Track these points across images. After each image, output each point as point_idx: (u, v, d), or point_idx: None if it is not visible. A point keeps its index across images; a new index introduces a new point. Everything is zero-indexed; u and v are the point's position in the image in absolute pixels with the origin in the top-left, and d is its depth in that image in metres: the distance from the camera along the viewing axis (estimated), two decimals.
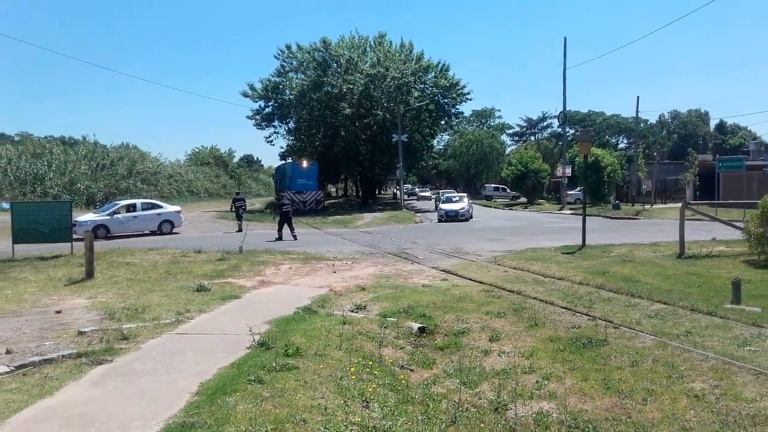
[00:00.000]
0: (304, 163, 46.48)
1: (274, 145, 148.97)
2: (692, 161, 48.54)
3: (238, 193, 34.23)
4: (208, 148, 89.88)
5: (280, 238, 24.13)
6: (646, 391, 6.84)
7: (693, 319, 9.56)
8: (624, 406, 6.57)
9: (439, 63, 52.73)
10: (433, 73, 52.63)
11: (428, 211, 47.82)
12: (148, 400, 6.08)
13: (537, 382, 7.51)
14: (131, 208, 27.95)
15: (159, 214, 28.19)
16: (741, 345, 8.10)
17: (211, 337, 8.65)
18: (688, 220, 18.85)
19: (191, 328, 9.25)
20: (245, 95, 53.11)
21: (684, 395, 6.60)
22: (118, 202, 30.20)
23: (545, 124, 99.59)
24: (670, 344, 8.24)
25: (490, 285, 13.16)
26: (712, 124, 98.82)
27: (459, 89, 52.86)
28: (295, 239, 23.83)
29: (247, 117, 55.58)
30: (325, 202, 55.06)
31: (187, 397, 6.15)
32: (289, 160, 53.83)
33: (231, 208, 33.10)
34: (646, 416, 6.27)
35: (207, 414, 5.59)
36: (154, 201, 31.43)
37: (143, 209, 28.06)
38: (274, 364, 6.96)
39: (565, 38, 57.78)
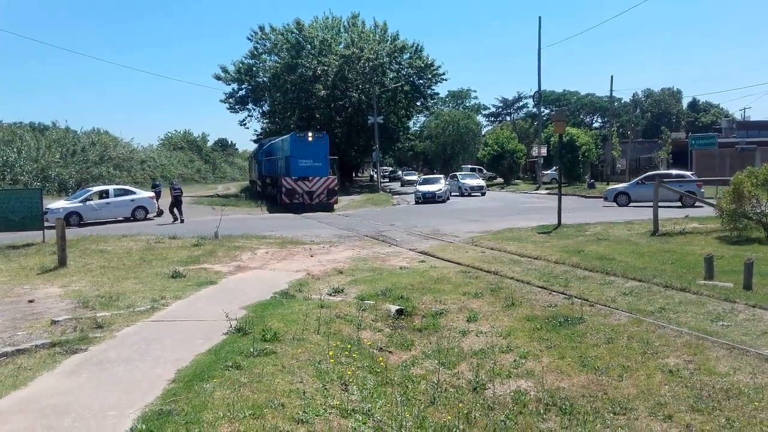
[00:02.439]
0: (310, 136, 32.61)
1: (248, 128, 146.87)
2: (666, 139, 49.14)
3: (173, 183, 32.28)
4: (182, 132, 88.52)
5: (176, 220, 26.05)
6: (621, 367, 6.94)
7: (667, 296, 9.69)
8: (600, 383, 6.65)
9: (414, 44, 52.55)
10: (408, 54, 52.42)
11: (405, 193, 47.83)
12: (124, 389, 6.01)
13: (514, 360, 7.57)
14: (104, 194, 27.51)
15: (132, 200, 27.80)
16: (714, 320, 8.24)
17: (187, 323, 8.58)
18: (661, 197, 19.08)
19: (167, 315, 9.16)
20: (218, 78, 52.55)
21: (659, 371, 6.70)
22: (90, 188, 29.72)
23: (521, 104, 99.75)
24: (644, 321, 8.35)
25: (468, 266, 13.21)
26: (685, 102, 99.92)
27: (434, 70, 52.75)
28: (182, 222, 25.61)
29: (221, 100, 55.05)
30: None
31: (164, 384, 6.09)
32: (284, 136, 37.50)
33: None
34: (621, 392, 6.36)
35: (184, 401, 5.55)
36: (127, 187, 30.96)
37: (116, 195, 27.64)
38: (251, 350, 6.93)
39: (539, 17, 57.49)
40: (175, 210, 26.64)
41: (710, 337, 7.40)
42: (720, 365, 6.62)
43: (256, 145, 55.14)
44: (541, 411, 6.14)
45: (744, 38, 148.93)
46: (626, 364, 6.98)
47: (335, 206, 32.65)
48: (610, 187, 33.21)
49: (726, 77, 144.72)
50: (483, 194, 42.52)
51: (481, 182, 44.77)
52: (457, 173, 49.34)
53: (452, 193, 42.09)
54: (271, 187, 37.72)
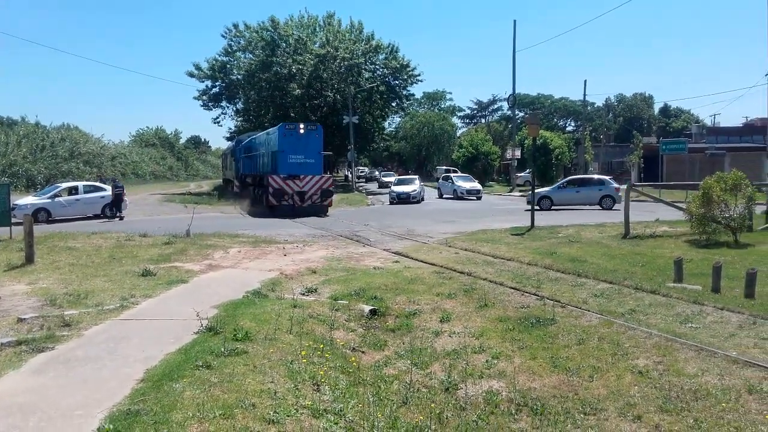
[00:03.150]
0: (302, 127, 28.52)
1: (221, 126, 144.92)
2: (637, 144, 49.92)
3: (115, 181, 31.58)
4: (154, 129, 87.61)
5: (113, 217, 26.15)
6: (592, 368, 6.99)
7: (637, 298, 9.81)
8: (571, 383, 6.70)
9: (389, 44, 52.57)
10: (383, 55, 52.43)
11: (379, 194, 47.83)
12: (92, 388, 5.91)
13: (487, 361, 7.59)
14: (73, 190, 27.03)
15: (102, 197, 27.34)
16: (683, 322, 8.36)
17: (157, 322, 8.46)
18: (633, 201, 19.34)
19: (136, 313, 9.02)
20: (191, 75, 52.00)
21: (629, 372, 6.77)
22: (59, 184, 29.18)
23: (496, 106, 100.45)
24: (615, 322, 8.44)
25: (441, 267, 13.23)
26: (657, 107, 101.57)
27: (410, 71, 52.83)
28: (120, 219, 25.87)
29: (194, 97, 54.47)
30: None
31: (132, 384, 5.99)
32: (270, 129, 33.43)
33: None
34: (592, 393, 6.41)
35: (153, 401, 5.47)
36: (97, 183, 30.46)
37: (86, 192, 27.17)
38: (222, 349, 6.85)
39: (514, 21, 58.20)
40: (114, 208, 26.58)
41: (679, 339, 7.50)
42: (688, 366, 6.71)
43: (231, 143, 52.02)
44: (513, 411, 6.17)
45: (715, 45, 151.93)
46: (597, 365, 7.05)
47: (329, 209, 29.07)
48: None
49: (697, 84, 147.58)
50: (479, 198, 39.86)
51: (477, 185, 42.10)
52: (451, 175, 45.91)
53: (445, 196, 41.30)
54: (254, 187, 33.69)
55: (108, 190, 28.03)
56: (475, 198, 39.66)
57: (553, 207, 29.08)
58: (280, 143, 27.98)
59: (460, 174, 47.95)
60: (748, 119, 74.66)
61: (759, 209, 19.46)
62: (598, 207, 28.91)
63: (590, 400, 6.22)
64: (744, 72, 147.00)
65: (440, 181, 45.16)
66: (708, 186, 16.21)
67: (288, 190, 27.43)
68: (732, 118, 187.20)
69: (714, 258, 12.19)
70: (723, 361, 6.74)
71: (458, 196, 40.21)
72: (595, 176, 34.46)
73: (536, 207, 28.83)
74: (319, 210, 27.73)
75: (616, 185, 30.40)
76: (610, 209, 28.17)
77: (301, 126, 28.46)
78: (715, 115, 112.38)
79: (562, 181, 32.10)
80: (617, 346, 7.54)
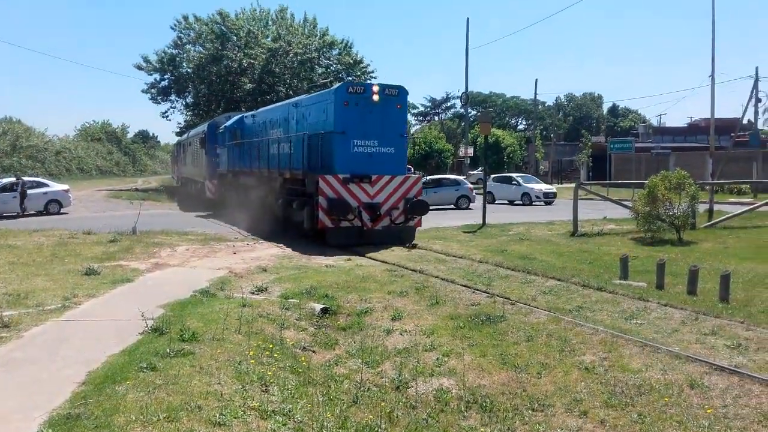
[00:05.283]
0: (375, 92, 16.49)
1: (170, 120, 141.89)
2: (586, 143, 51.10)
3: (20, 177, 29.66)
4: (100, 123, 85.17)
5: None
6: (540, 364, 7.08)
7: (584, 295, 9.99)
8: (520, 380, 6.77)
9: (343, 40, 52.25)
10: (337, 50, 52.15)
11: None
12: (31, 391, 5.71)
13: (437, 359, 7.61)
14: (14, 186, 26.11)
15: (45, 193, 26.55)
16: (628, 318, 8.55)
17: (100, 323, 8.22)
18: (581, 199, 19.77)
19: (79, 314, 8.75)
20: (139, 68, 50.65)
21: (575, 368, 6.87)
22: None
23: (449, 104, 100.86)
24: (563, 319, 8.57)
25: (393, 264, 13.23)
26: (605, 107, 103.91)
27: (363, 67, 52.68)
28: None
29: (142, 91, 53.00)
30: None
31: (73, 387, 5.81)
32: (317, 94, 19.42)
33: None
34: (540, 389, 6.49)
35: (94, 404, 5.31)
36: (40, 179, 29.53)
37: (28, 188, 26.29)
38: (168, 350, 6.69)
39: (467, 19, 58.71)
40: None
41: (624, 335, 7.66)
42: (633, 362, 6.85)
43: (198, 130, 37.51)
44: (462, 409, 6.20)
45: (661, 47, 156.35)
46: (545, 362, 7.14)
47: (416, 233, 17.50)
48: None
49: (644, 84, 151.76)
50: (551, 203, 32.76)
51: (552, 188, 35.72)
52: (513, 174, 37.24)
53: (498, 201, 33.70)
54: (266, 195, 20.86)
55: (52, 186, 27.37)
56: (545, 203, 32.91)
57: None
58: (337, 117, 16.23)
59: (523, 174, 39.61)
60: (693, 119, 77.23)
61: (702, 207, 20.10)
62: (454, 207, 29.67)
63: (538, 397, 6.29)
64: (689, 73, 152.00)
65: (491, 183, 35.50)
66: (653, 185, 16.65)
67: (352, 201, 15.95)
68: (677, 118, 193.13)
69: (658, 255, 12.50)
70: (666, 356, 6.91)
71: (533, 201, 33.02)
72: (451, 177, 34.77)
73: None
74: (404, 236, 16.69)
75: (470, 185, 31.38)
76: (467, 209, 28.95)
77: (375, 89, 16.56)
78: (661, 115, 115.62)
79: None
80: (565, 342, 7.65)
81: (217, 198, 28.80)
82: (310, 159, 17.02)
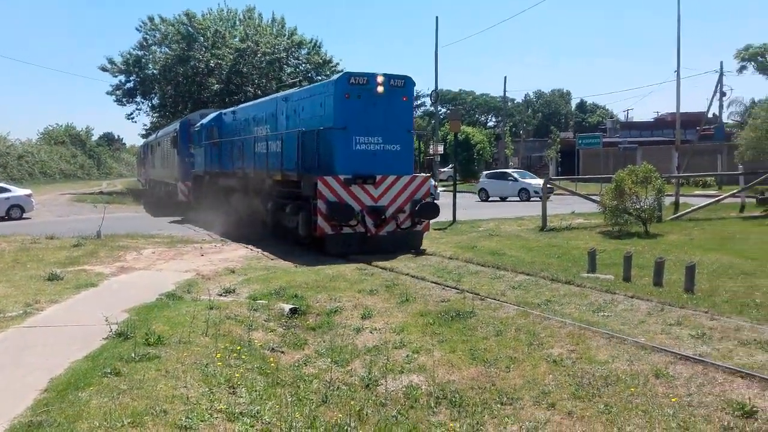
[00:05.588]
0: (380, 82, 14.78)
1: (136, 122, 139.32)
2: (555, 139, 51.62)
3: None
4: (64, 126, 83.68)
5: None
6: (509, 358, 7.10)
7: (553, 289, 10.08)
8: (489, 375, 6.78)
9: (312, 39, 52.07)
10: (306, 50, 51.93)
11: None
12: None
13: (407, 356, 7.59)
14: None
15: (7, 198, 25.96)
16: (596, 311, 8.63)
17: (63, 329, 8.05)
18: (555, 195, 19.95)
19: (42, 320, 8.55)
20: (104, 69, 49.85)
21: (544, 361, 6.91)
22: None
23: (419, 102, 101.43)
24: (531, 313, 8.61)
25: (363, 263, 13.19)
26: (574, 103, 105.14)
27: (332, 66, 52.51)
28: None
29: (107, 93, 52.21)
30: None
31: (35, 394, 5.67)
32: (314, 85, 18.61)
33: None
34: (509, 383, 6.51)
35: (57, 411, 5.19)
36: (1, 184, 28.86)
37: None
38: (133, 355, 6.56)
39: (436, 17, 58.89)
40: None
41: (592, 328, 7.73)
42: (600, 354, 6.91)
43: (168, 129, 35.23)
44: (432, 404, 6.18)
45: (628, 43, 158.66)
46: (514, 356, 7.16)
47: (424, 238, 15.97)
48: None
49: (611, 80, 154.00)
50: (548, 199, 31.09)
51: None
52: (508, 170, 37.13)
53: (491, 198, 34.00)
54: (249, 198, 19.38)
55: (14, 191, 26.77)
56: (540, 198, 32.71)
57: None
58: (338, 111, 14.77)
59: (518, 169, 39.34)
60: (659, 114, 78.44)
61: (668, 200, 20.47)
62: None
63: (507, 390, 6.31)
64: (656, 69, 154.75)
65: (485, 179, 36.18)
66: (620, 179, 16.89)
67: (354, 204, 14.49)
68: (644, 113, 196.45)
69: (625, 248, 12.68)
70: (632, 347, 6.98)
71: (531, 197, 32.27)
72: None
73: None
74: (411, 240, 15.29)
75: (434, 182, 30.45)
76: None
77: (379, 79, 14.83)
78: (628, 110, 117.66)
79: None
80: (533, 336, 7.69)
81: (191, 201, 26.97)
82: (305, 158, 15.40)
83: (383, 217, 14.73)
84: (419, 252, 14.79)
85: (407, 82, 15.31)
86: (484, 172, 36.60)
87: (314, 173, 14.71)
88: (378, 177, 14.66)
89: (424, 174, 16.15)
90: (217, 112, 25.10)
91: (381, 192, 14.75)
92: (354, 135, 14.66)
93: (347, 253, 14.30)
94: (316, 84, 17.54)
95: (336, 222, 14.30)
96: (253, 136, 19.29)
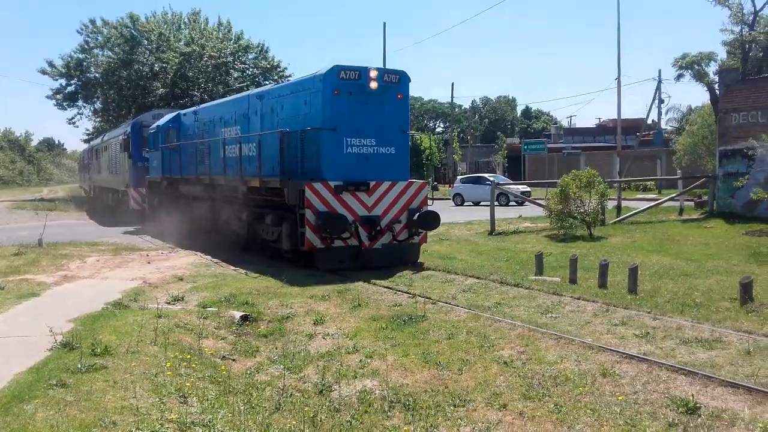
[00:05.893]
0: (373, 77, 13.19)
1: (78, 126, 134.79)
2: (501, 144, 52.52)
3: None
4: (1, 131, 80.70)
5: None
6: (461, 361, 7.19)
7: (502, 291, 10.26)
8: (441, 377, 6.85)
9: (259, 44, 51.67)
10: (253, 54, 51.50)
11: None
12: None
13: (360, 361, 7.59)
14: None
15: None
16: (544, 313, 8.83)
17: (5, 340, 7.75)
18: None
19: None
20: (44, 72, 48.30)
21: (495, 362, 7.02)
22: None
23: None
24: (482, 316, 8.74)
25: (314, 269, 13.13)
26: (519, 109, 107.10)
27: (280, 71, 52.19)
28: None
29: (47, 96, 50.58)
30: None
31: None
32: (299, 79, 15.42)
33: None
34: (461, 385, 6.59)
35: (1, 425, 5.03)
36: None
37: None
38: (79, 366, 6.37)
39: (384, 23, 59.12)
40: None
41: (540, 329, 7.90)
42: (549, 354, 7.07)
43: (117, 131, 32.54)
44: (386, 409, 6.20)
45: (570, 51, 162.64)
46: (465, 358, 7.26)
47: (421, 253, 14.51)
48: None
49: (555, 86, 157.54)
50: (523, 203, 29.90)
51: (527, 188, 34.19)
52: (485, 174, 36.04)
53: (466, 203, 34.18)
54: (218, 207, 17.70)
55: None
56: (516, 203, 31.08)
57: None
58: (326, 110, 13.17)
59: (494, 174, 38.43)
60: (601, 120, 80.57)
61: (611, 204, 21.07)
62: None
63: (459, 393, 6.38)
64: (597, 76, 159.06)
65: (459, 184, 36.19)
66: (565, 184, 17.32)
67: (347, 214, 12.96)
68: (587, 119, 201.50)
69: (571, 251, 13.01)
70: (580, 347, 7.17)
71: (510, 201, 31.67)
72: None
73: None
74: (407, 254, 13.87)
75: None
76: None
77: (373, 74, 13.33)
78: (571, 116, 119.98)
79: None
80: (484, 338, 7.81)
81: (145, 210, 24.75)
82: (286, 163, 13.62)
83: (378, 228, 13.24)
84: (417, 267, 13.30)
85: (402, 78, 13.86)
86: (459, 177, 36.41)
87: (298, 179, 13.19)
88: (372, 183, 13.18)
89: (417, 180, 14.53)
90: (175, 113, 23.03)
91: (375, 200, 13.30)
92: (345, 136, 13.11)
93: (339, 269, 12.92)
94: (299, 79, 15.38)
95: (327, 234, 12.68)
96: (222, 138, 17.41)
